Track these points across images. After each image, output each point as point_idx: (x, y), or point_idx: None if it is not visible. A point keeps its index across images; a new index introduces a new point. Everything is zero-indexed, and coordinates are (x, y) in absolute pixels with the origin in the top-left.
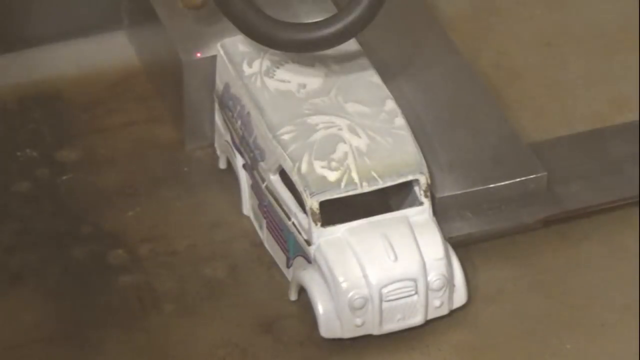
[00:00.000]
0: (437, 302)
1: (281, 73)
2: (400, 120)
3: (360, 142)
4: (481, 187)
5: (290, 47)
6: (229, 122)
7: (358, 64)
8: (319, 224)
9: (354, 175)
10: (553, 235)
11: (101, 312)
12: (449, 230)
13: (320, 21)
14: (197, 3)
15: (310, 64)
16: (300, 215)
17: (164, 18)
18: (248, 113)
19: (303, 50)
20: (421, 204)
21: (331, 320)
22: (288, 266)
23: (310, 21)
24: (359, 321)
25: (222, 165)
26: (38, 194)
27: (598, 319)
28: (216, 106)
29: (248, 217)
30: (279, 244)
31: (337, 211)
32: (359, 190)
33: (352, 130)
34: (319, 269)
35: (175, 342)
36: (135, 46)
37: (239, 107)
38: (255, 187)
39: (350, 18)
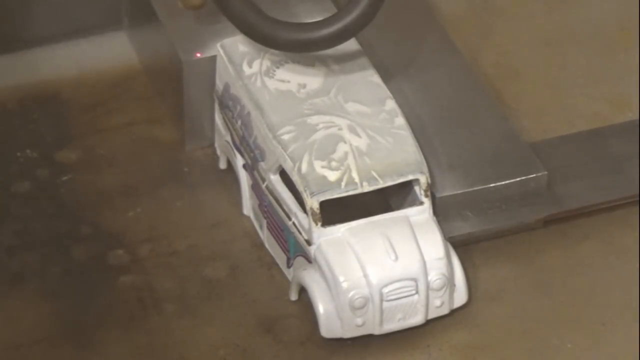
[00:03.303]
0: (437, 302)
1: (281, 73)
2: (400, 120)
3: (361, 142)
4: (481, 187)
5: (290, 47)
6: (229, 122)
7: (358, 64)
8: (319, 223)
9: (354, 175)
10: (553, 234)
11: (101, 312)
12: (450, 229)
13: (320, 21)
14: (197, 3)
15: (310, 64)
16: (301, 215)
17: (164, 18)
18: (248, 113)
19: (303, 50)
20: (421, 203)
21: (332, 320)
22: (288, 266)
23: (310, 21)
24: (359, 321)
25: (222, 165)
26: (38, 194)
27: (598, 318)
28: (216, 106)
29: (248, 217)
30: (279, 244)
31: (338, 211)
32: (359, 190)
33: (352, 130)
34: (320, 268)
35: (175, 342)
36: (135, 46)
37: (239, 107)
38: (255, 187)
39: (350, 18)
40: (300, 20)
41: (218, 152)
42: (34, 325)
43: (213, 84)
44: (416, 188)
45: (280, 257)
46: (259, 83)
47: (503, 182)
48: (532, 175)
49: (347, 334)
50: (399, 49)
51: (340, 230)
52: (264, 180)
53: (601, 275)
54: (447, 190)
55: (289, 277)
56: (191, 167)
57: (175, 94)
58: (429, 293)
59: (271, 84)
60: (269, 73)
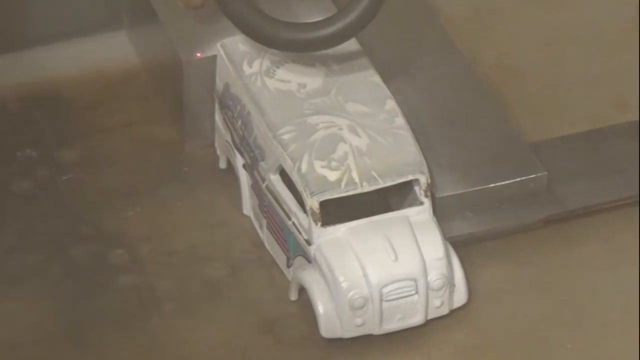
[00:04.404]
0: (437, 302)
1: (281, 73)
2: (400, 120)
3: (361, 142)
4: (481, 187)
5: (290, 47)
6: (229, 122)
7: (358, 63)
8: (319, 223)
9: (354, 175)
10: (553, 235)
11: (101, 312)
12: (449, 229)
13: (320, 21)
14: (197, 3)
15: (311, 64)
16: (301, 215)
17: (164, 18)
18: (248, 113)
19: (303, 50)
20: (421, 203)
21: (331, 320)
22: (288, 266)
23: (310, 21)
24: (359, 321)
25: (222, 165)
26: (38, 194)
27: (598, 319)
28: (216, 106)
29: (248, 217)
30: (279, 244)
31: (337, 211)
32: (359, 190)
33: (353, 130)
34: (319, 268)
35: (175, 342)
36: (135, 46)
37: (239, 107)
38: (255, 187)
39: (350, 18)
40: (300, 20)
41: (218, 151)
42: (33, 325)
43: (213, 83)
44: (416, 188)
45: (280, 257)
46: (259, 83)
47: (503, 183)
48: (532, 176)
49: (347, 334)
50: (399, 49)
51: (340, 230)
52: (264, 180)
53: (601, 275)
54: (447, 191)
55: (289, 277)
56: (191, 167)
57: (175, 94)
58: (428, 293)
59: (271, 83)
60: (269, 73)
